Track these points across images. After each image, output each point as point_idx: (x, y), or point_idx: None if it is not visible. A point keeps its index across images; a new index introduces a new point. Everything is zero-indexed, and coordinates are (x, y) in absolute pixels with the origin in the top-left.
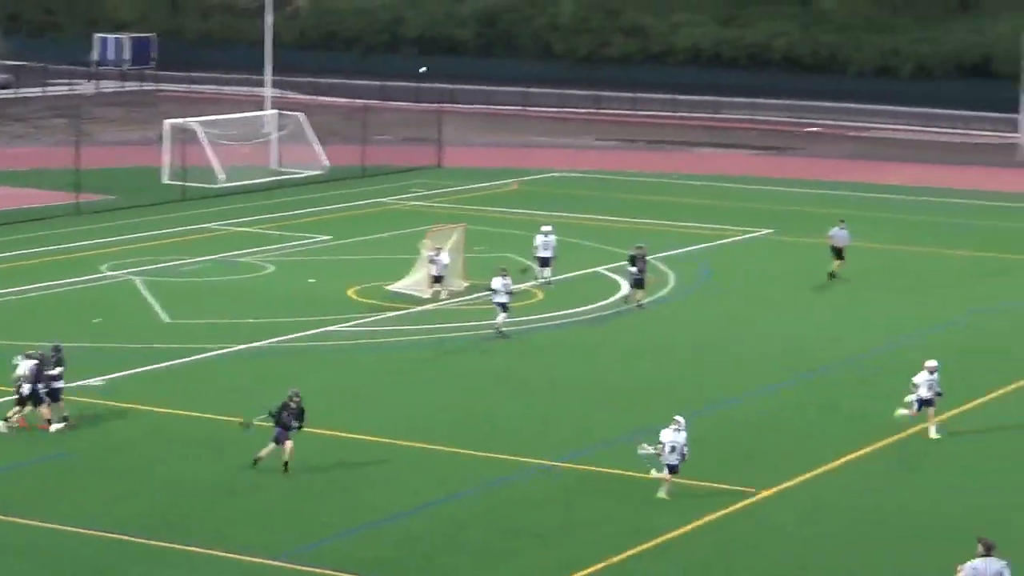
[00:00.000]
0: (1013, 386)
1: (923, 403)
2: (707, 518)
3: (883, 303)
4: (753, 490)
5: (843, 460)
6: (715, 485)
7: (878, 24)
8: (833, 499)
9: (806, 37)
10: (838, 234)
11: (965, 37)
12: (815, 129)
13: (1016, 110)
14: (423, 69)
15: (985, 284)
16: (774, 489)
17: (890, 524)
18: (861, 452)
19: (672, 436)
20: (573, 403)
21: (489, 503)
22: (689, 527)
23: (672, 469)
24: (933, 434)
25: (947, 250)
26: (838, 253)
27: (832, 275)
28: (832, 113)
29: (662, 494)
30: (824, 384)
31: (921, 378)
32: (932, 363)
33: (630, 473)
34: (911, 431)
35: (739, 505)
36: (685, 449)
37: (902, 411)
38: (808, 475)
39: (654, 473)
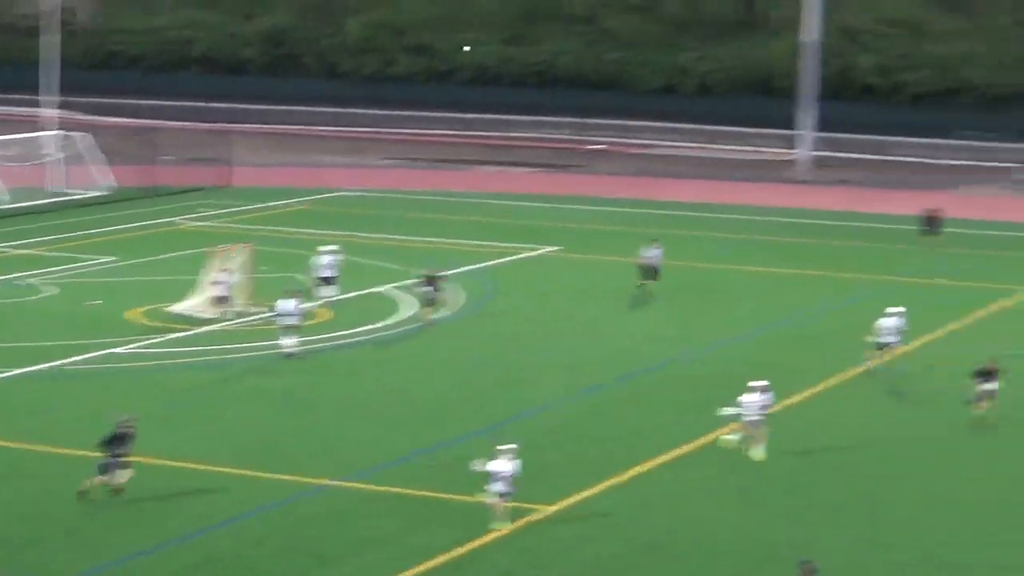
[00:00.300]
0: (796, 399)
1: (751, 424)
2: (493, 535)
3: (667, 319)
4: (538, 506)
5: (626, 476)
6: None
7: (662, 42)
8: (617, 514)
9: (591, 55)
10: (651, 253)
11: (746, 55)
12: (600, 146)
13: (795, 127)
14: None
15: (767, 299)
16: (559, 505)
17: (673, 540)
18: (643, 468)
19: (503, 465)
20: (359, 422)
21: (274, 524)
22: (475, 544)
23: (502, 495)
24: (759, 455)
25: (729, 265)
26: (651, 272)
27: (642, 287)
28: (617, 130)
29: (501, 523)
30: (607, 400)
31: (749, 398)
32: (761, 383)
33: (415, 492)
34: (690, 447)
35: (524, 522)
36: (510, 477)
37: (731, 437)
38: (592, 491)
39: (485, 500)
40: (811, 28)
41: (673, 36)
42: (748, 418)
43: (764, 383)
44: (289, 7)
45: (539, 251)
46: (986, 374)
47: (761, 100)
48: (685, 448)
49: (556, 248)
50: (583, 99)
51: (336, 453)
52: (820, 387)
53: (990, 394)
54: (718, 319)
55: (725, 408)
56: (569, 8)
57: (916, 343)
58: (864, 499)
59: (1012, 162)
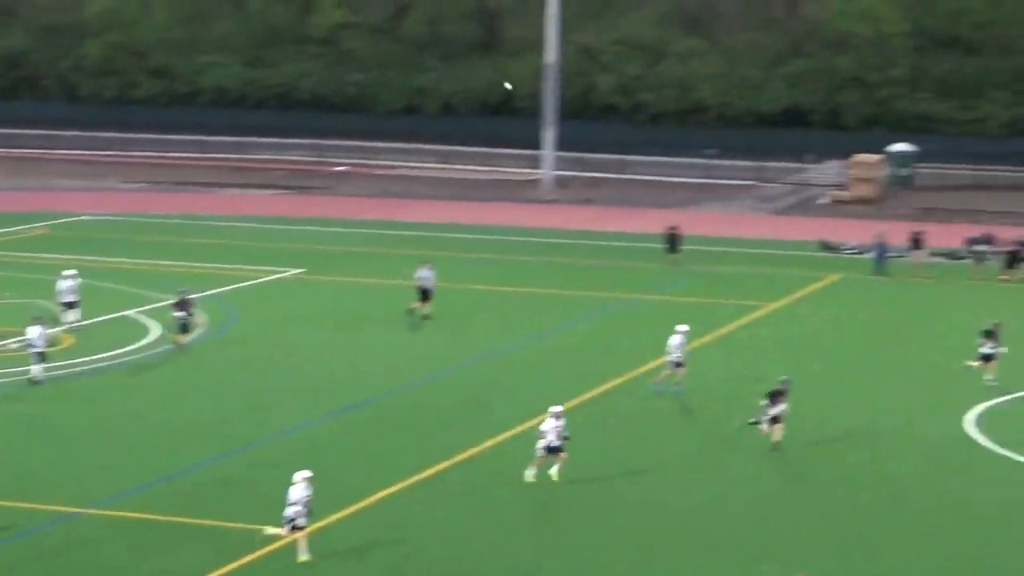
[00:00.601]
0: (542, 419)
1: (551, 450)
2: (242, 560)
3: (411, 340)
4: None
5: (372, 499)
6: (246, 526)
7: (404, 63)
8: (363, 538)
9: (332, 77)
10: (424, 275)
11: (488, 75)
12: (343, 168)
13: (538, 146)
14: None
15: (513, 318)
16: (308, 528)
17: (418, 563)
18: (388, 491)
19: (300, 492)
20: (103, 449)
21: (17, 554)
22: (223, 570)
23: (299, 527)
24: (555, 476)
25: (475, 285)
26: (424, 294)
27: (412, 312)
28: (360, 152)
29: (304, 556)
30: (352, 423)
31: (548, 425)
32: (557, 408)
33: (160, 517)
34: (435, 470)
35: (273, 547)
36: (308, 505)
37: (530, 472)
38: (339, 515)
39: (269, 530)
40: (552, 49)
41: (415, 57)
42: (550, 444)
43: (559, 408)
44: (26, 29)
45: (283, 274)
46: (778, 395)
47: (504, 120)
48: (430, 471)
49: (300, 270)
50: (325, 121)
51: (81, 480)
52: (564, 407)
53: (780, 416)
54: (464, 339)
55: (539, 444)
56: (310, 30)
57: (660, 360)
58: (607, 523)
59: (749, 180)
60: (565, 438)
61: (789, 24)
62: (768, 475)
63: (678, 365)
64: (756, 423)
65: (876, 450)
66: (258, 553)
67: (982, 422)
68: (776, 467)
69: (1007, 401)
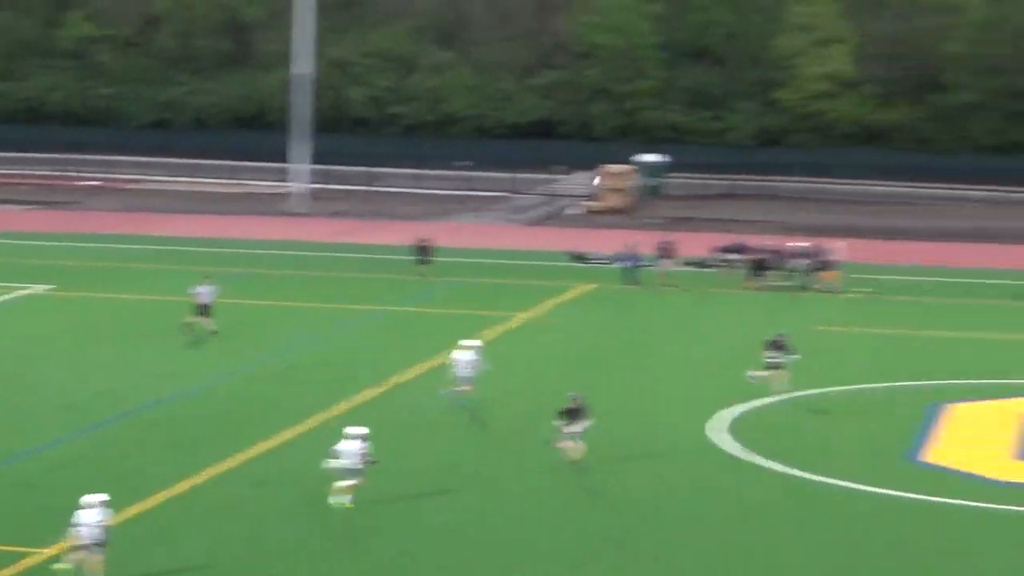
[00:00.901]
0: (290, 434)
1: (351, 472)
2: None
3: (162, 355)
4: (32, 550)
5: (128, 514)
6: None
7: (154, 77)
8: (125, 552)
9: (81, 90)
10: (203, 290)
11: (238, 89)
12: (93, 182)
13: (287, 160)
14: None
15: (263, 332)
16: (55, 548)
17: (175, 573)
18: (144, 506)
19: (95, 516)
20: None
21: None
22: None
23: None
24: (346, 502)
25: (226, 300)
26: (203, 310)
27: (189, 327)
28: (108, 166)
29: (64, 565)
30: (107, 439)
31: (344, 446)
32: (362, 430)
33: None
34: (188, 484)
35: (18, 566)
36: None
37: (341, 484)
38: None
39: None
40: (302, 62)
41: (165, 70)
42: (354, 466)
43: (364, 430)
44: None
45: (30, 290)
46: (571, 413)
47: (256, 134)
48: (187, 484)
49: (49, 287)
50: (74, 135)
51: None
52: (316, 420)
53: (577, 435)
54: (217, 354)
55: (329, 461)
56: (58, 43)
57: (414, 372)
58: (366, 538)
59: (500, 191)
60: (371, 463)
61: (540, 37)
62: (520, 490)
63: (463, 381)
64: (560, 439)
65: (627, 461)
66: (13, 569)
67: (732, 429)
68: (532, 482)
69: (755, 407)
